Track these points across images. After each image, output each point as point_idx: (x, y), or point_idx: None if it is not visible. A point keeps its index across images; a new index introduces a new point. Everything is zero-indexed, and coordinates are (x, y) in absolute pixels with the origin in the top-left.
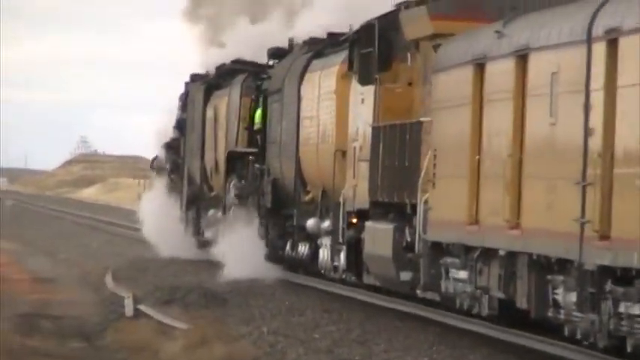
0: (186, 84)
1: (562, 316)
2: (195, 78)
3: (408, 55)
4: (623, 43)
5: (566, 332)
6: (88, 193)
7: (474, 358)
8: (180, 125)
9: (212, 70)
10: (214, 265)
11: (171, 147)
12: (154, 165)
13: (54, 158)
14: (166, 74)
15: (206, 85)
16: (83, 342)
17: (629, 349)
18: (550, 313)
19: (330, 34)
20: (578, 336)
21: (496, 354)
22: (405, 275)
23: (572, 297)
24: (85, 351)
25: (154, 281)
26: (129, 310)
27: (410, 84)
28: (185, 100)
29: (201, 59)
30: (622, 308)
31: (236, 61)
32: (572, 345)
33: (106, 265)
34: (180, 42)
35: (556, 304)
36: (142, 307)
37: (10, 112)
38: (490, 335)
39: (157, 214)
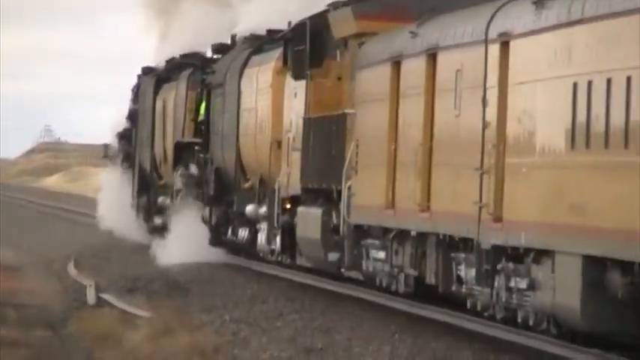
0: (138, 77)
1: (464, 291)
2: (146, 71)
3: (338, 52)
4: (513, 45)
5: (468, 305)
6: (51, 182)
7: (436, 346)
8: (132, 116)
9: (162, 64)
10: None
11: (124, 137)
12: (107, 154)
13: (17, 147)
14: (129, 66)
15: (156, 79)
16: (47, 330)
17: (519, 320)
18: (454, 288)
19: (269, 31)
20: (479, 308)
21: (458, 342)
22: (333, 256)
23: (472, 273)
24: (49, 339)
25: (117, 270)
26: (91, 298)
27: (339, 79)
28: (137, 92)
29: (154, 52)
30: (512, 283)
31: (185, 55)
32: (529, 332)
33: (68, 253)
34: (139, 34)
35: (459, 280)
36: (104, 296)
37: None
38: (453, 324)
39: (111, 200)
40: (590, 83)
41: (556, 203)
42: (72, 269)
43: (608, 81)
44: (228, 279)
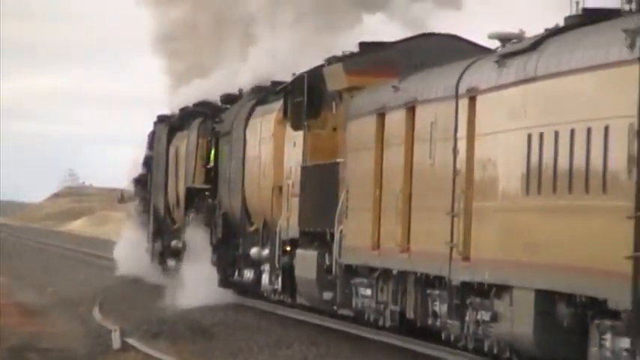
0: (154, 124)
1: (438, 324)
2: (161, 118)
3: (333, 104)
4: (479, 99)
5: (443, 337)
6: (76, 226)
7: None
8: (148, 162)
9: (177, 112)
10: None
11: (140, 182)
12: (123, 199)
13: (42, 190)
14: (152, 109)
15: (169, 126)
16: None
17: (485, 349)
18: (430, 322)
19: (274, 83)
20: (452, 340)
21: None
22: (327, 295)
23: (445, 308)
24: None
25: (142, 314)
26: (116, 343)
27: (334, 129)
28: (152, 139)
29: (169, 100)
30: (479, 316)
31: (198, 104)
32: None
33: (93, 297)
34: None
35: (434, 314)
36: (129, 340)
37: None
38: None
39: (127, 244)
40: (541, 135)
41: (513, 243)
42: (97, 313)
43: (556, 133)
44: (253, 323)
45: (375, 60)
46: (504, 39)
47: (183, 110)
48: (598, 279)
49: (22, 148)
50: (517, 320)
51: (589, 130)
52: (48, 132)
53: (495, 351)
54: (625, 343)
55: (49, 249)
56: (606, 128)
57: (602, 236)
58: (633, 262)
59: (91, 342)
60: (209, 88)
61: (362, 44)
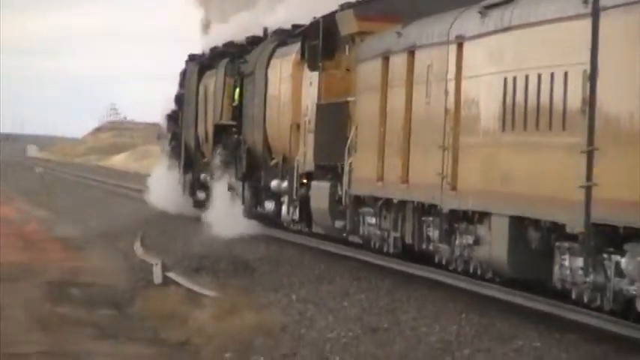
0: (186, 62)
1: (431, 248)
2: (192, 58)
3: (347, 47)
4: (465, 46)
5: (436, 260)
6: (118, 161)
7: (501, 326)
8: (179, 99)
9: (207, 51)
10: (242, 234)
11: (172, 118)
12: (159, 135)
13: (83, 126)
14: (187, 46)
15: (199, 66)
16: (113, 310)
17: (471, 271)
18: (424, 246)
19: (294, 26)
20: (443, 262)
21: (524, 322)
22: (339, 223)
23: (437, 233)
24: (114, 319)
25: (183, 249)
26: (157, 277)
27: (348, 70)
28: (183, 77)
29: (201, 38)
30: (464, 240)
31: (227, 44)
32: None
33: (135, 232)
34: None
35: (428, 239)
36: (170, 275)
37: (39, 80)
38: (518, 303)
39: (160, 177)
40: (514, 79)
41: (492, 174)
42: (138, 248)
43: (526, 77)
44: (295, 258)
45: (383, 7)
46: None
47: (212, 50)
48: (559, 206)
49: (63, 85)
50: (494, 243)
51: (552, 75)
52: (89, 69)
53: (479, 272)
54: (580, 262)
55: (90, 184)
56: (565, 74)
57: (561, 168)
58: (586, 191)
59: (132, 276)
60: (238, 29)
61: None
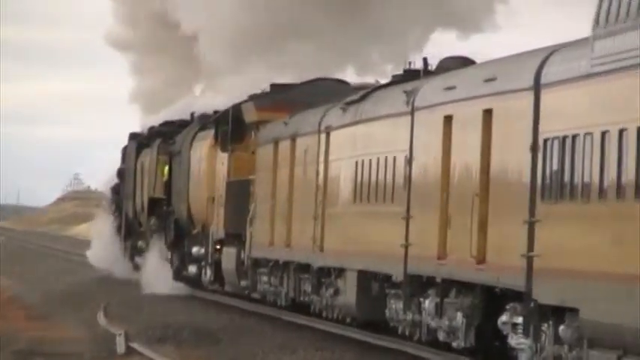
0: (128, 140)
1: (306, 299)
2: (132, 136)
3: (252, 132)
4: (332, 135)
5: (310, 310)
6: (80, 230)
7: None
8: (121, 173)
9: (145, 130)
10: (206, 304)
11: (115, 190)
12: (102, 206)
13: (46, 195)
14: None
15: (137, 144)
16: None
17: (335, 316)
18: (302, 298)
19: (215, 112)
20: (316, 311)
21: None
22: (244, 282)
23: (310, 287)
24: None
25: (147, 319)
26: (121, 347)
27: (253, 152)
28: (124, 153)
29: (142, 119)
30: (329, 292)
31: (165, 123)
32: None
33: (98, 302)
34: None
35: (305, 292)
36: (134, 345)
37: (2, 147)
38: None
39: (105, 243)
40: (362, 161)
41: (346, 238)
42: (102, 318)
43: (370, 161)
44: (258, 327)
45: (277, 100)
46: (359, 87)
47: (150, 129)
48: (388, 261)
49: (26, 152)
50: (347, 292)
51: (386, 159)
52: (52, 136)
53: (340, 317)
54: (401, 304)
55: (53, 253)
56: (394, 158)
57: (390, 231)
58: (405, 249)
59: (96, 347)
60: (174, 112)
61: (272, 85)
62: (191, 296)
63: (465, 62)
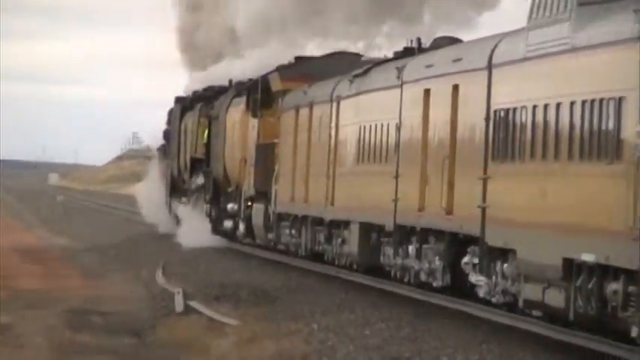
0: (174, 103)
1: (319, 248)
2: (177, 100)
3: (280, 99)
4: (341, 104)
5: (324, 257)
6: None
7: (523, 355)
8: (167, 135)
9: (190, 94)
10: (262, 262)
11: (161, 150)
12: (151, 164)
13: (105, 155)
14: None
15: (181, 107)
16: (133, 338)
17: (345, 263)
18: (317, 247)
19: (250, 79)
20: (329, 259)
21: (545, 351)
22: (270, 236)
23: (323, 237)
24: (135, 347)
25: (205, 278)
26: (179, 306)
27: (279, 118)
28: (170, 116)
29: (186, 82)
30: (338, 241)
31: (207, 88)
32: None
33: (156, 260)
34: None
35: (319, 242)
36: (192, 304)
37: (63, 107)
38: (539, 333)
39: (154, 199)
40: (364, 127)
41: (351, 194)
42: (160, 276)
43: (370, 127)
44: (316, 286)
45: (300, 70)
46: (367, 61)
47: (194, 93)
48: (382, 214)
49: (86, 112)
50: (351, 242)
51: (382, 125)
52: (112, 96)
53: (346, 264)
54: (391, 250)
55: (110, 211)
56: (388, 125)
57: (384, 188)
58: (394, 203)
59: (154, 305)
60: (217, 75)
61: (296, 58)
62: (237, 251)
63: (452, 41)
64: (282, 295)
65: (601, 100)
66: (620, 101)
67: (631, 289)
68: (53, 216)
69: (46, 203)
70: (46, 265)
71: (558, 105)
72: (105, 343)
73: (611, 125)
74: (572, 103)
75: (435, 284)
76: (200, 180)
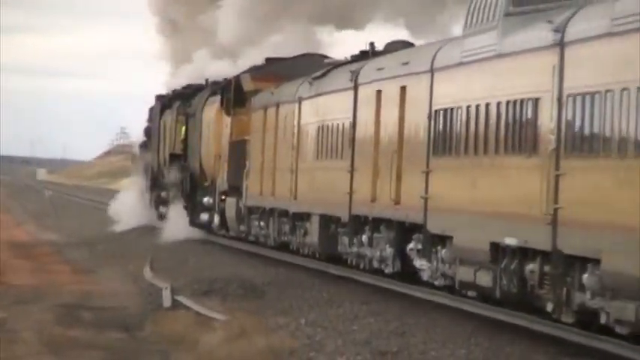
0: (155, 101)
1: (284, 238)
2: (158, 98)
3: (252, 99)
4: (303, 104)
5: (290, 247)
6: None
7: (511, 350)
8: (148, 131)
9: (170, 92)
10: (250, 257)
11: (143, 146)
12: (132, 159)
13: (92, 149)
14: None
15: (161, 105)
16: (123, 333)
17: (307, 252)
18: (282, 238)
19: (224, 79)
20: (291, 247)
21: (533, 346)
22: (242, 227)
23: (287, 228)
24: (124, 342)
25: (192, 272)
26: (167, 301)
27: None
28: (151, 113)
29: (166, 80)
30: (301, 232)
31: (186, 87)
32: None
33: (144, 256)
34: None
35: (285, 234)
36: (180, 298)
37: (52, 101)
38: (526, 327)
39: (134, 193)
40: (322, 126)
41: (311, 187)
42: (147, 271)
43: (327, 126)
44: (305, 281)
45: (269, 72)
46: (329, 63)
47: (174, 92)
48: (338, 206)
49: (75, 107)
50: (312, 233)
51: (337, 125)
52: (101, 90)
53: (308, 252)
54: (347, 240)
55: (98, 207)
56: (343, 124)
57: (340, 182)
58: (349, 196)
59: (142, 300)
60: (196, 73)
61: (267, 59)
62: (208, 241)
63: (405, 45)
64: (270, 289)
65: (522, 101)
66: (536, 101)
67: (546, 268)
68: (42, 211)
69: (34, 198)
70: (36, 260)
71: (487, 105)
72: (95, 338)
73: (530, 123)
74: (498, 104)
75: (386, 270)
76: (178, 175)
